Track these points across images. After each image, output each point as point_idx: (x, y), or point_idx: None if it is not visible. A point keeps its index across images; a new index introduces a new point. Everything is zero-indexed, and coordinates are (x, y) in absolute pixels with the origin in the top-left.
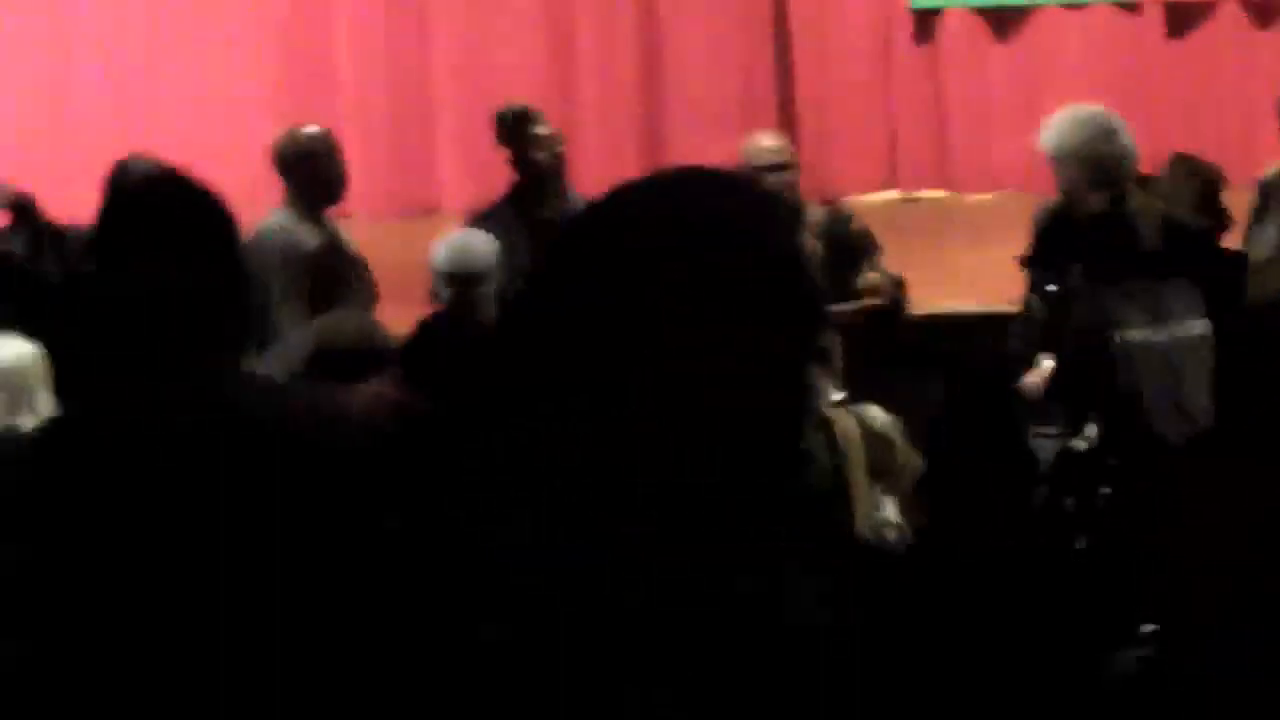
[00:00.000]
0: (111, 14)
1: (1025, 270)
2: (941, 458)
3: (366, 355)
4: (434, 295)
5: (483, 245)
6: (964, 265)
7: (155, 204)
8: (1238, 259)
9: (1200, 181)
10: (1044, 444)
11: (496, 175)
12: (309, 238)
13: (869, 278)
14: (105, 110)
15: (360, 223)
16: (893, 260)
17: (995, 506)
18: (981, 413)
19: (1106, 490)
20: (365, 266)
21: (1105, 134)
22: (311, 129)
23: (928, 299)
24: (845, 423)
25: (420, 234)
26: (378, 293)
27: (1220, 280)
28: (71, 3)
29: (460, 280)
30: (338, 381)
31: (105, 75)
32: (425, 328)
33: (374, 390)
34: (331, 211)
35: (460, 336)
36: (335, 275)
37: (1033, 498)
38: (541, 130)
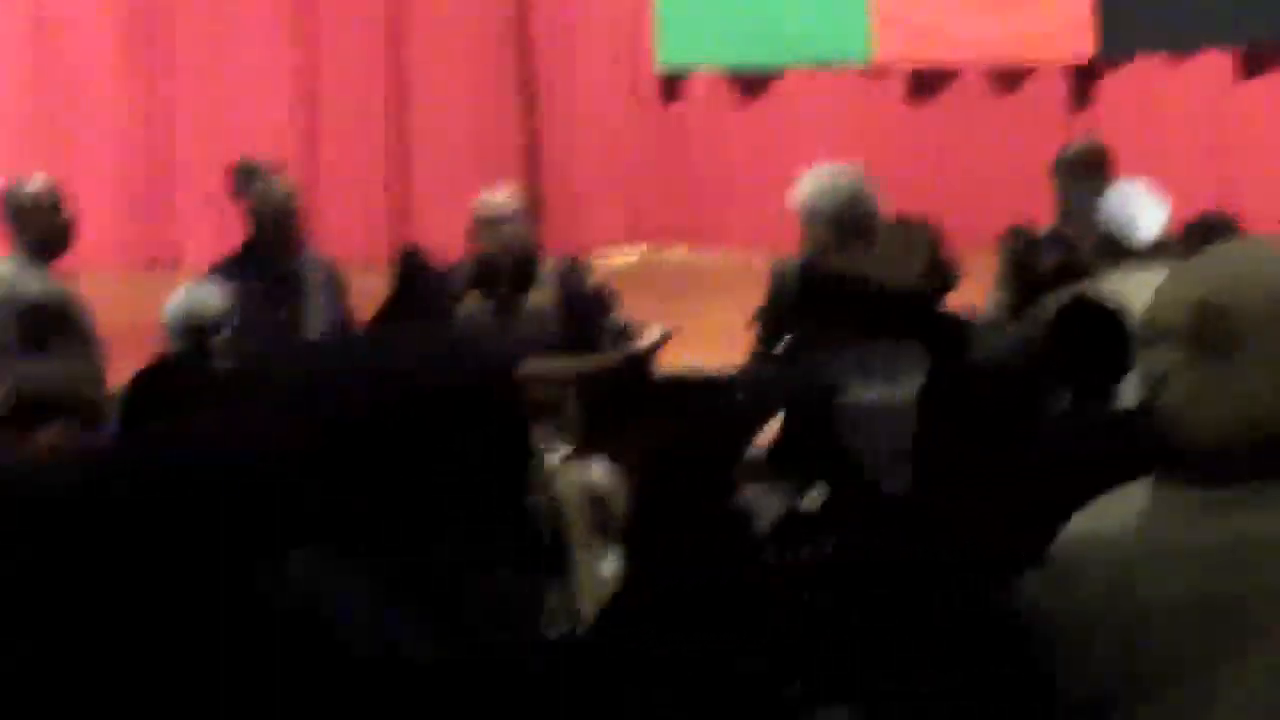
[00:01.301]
0: None
1: (757, 328)
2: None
3: (63, 403)
4: (167, 346)
5: (213, 295)
6: (706, 322)
7: None
8: (957, 321)
9: (924, 243)
10: (769, 502)
11: (239, 230)
12: (28, 287)
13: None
14: None
15: (102, 276)
16: (638, 315)
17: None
18: (699, 467)
19: (828, 547)
20: (87, 318)
21: (856, 195)
22: (38, 179)
23: (671, 355)
24: (566, 481)
25: (163, 287)
26: (103, 345)
27: (943, 341)
28: None
29: (194, 330)
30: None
31: None
32: (143, 376)
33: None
34: (65, 263)
35: (185, 383)
36: (51, 325)
37: (756, 554)
38: (276, 184)
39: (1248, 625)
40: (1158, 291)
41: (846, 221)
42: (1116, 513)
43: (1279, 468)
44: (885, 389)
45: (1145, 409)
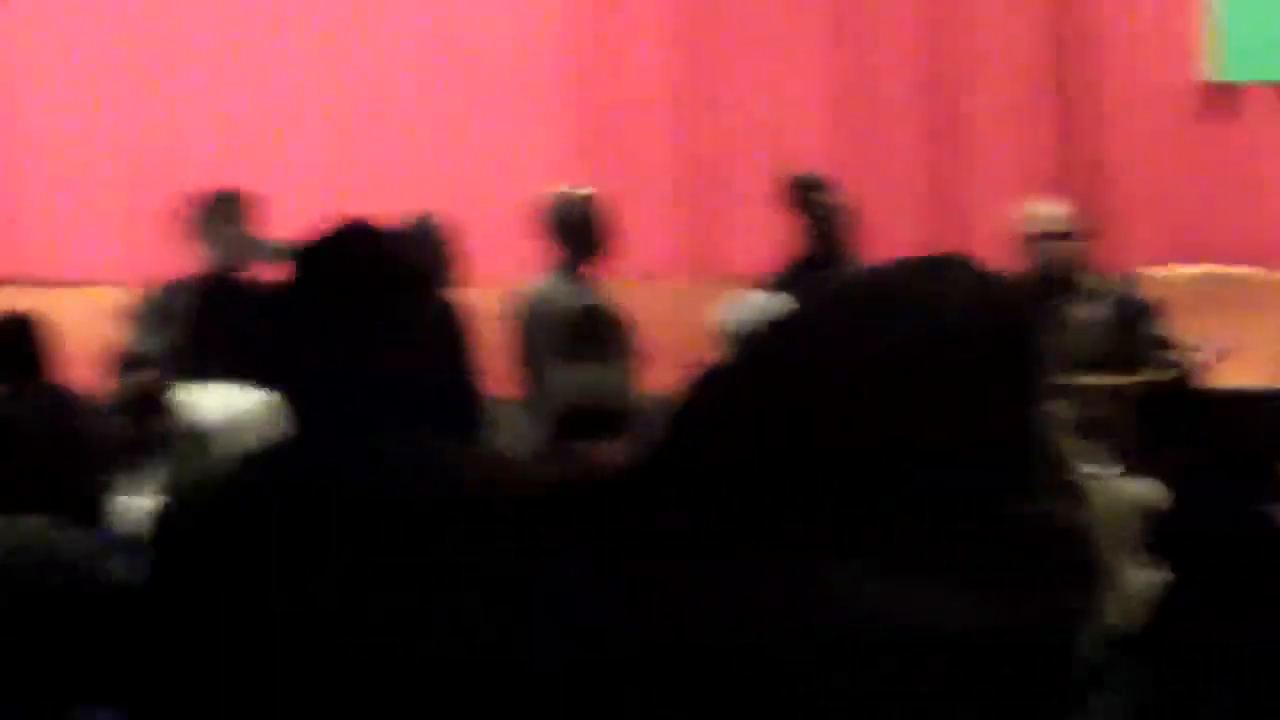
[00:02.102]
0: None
1: None
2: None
3: (610, 414)
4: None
5: (778, 304)
6: (1266, 340)
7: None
8: None
9: None
10: None
11: (787, 241)
12: (569, 299)
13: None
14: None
15: (655, 285)
16: (1195, 333)
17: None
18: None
19: None
20: (629, 328)
21: None
22: (581, 190)
23: (1229, 374)
24: (1115, 497)
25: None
26: (644, 355)
27: None
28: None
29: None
30: (581, 439)
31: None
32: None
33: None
34: (607, 271)
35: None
36: (591, 336)
37: None
38: (830, 198)
39: None
40: None
41: None
42: None
43: None
44: None
45: None
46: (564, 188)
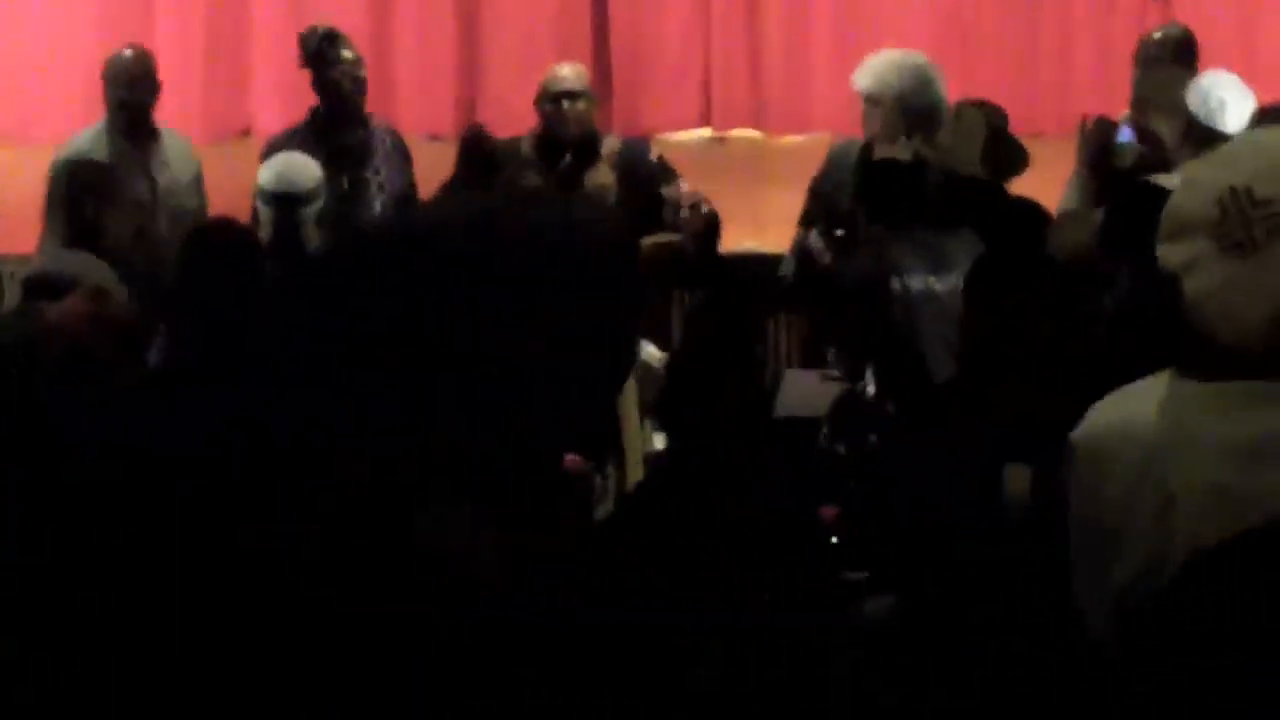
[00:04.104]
0: None
1: (807, 205)
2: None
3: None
4: (254, 216)
5: (307, 167)
6: (775, 206)
7: None
8: (1028, 208)
9: (985, 126)
10: (827, 388)
11: (308, 99)
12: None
13: (685, 194)
14: None
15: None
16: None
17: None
18: (727, 338)
19: (874, 437)
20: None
21: (924, 81)
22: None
23: (736, 239)
24: None
25: (234, 155)
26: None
27: (1002, 228)
28: None
29: (283, 200)
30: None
31: None
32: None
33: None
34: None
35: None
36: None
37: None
38: (343, 53)
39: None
40: (1185, 180)
41: (914, 107)
42: (1140, 404)
43: None
44: (938, 277)
45: (1165, 301)
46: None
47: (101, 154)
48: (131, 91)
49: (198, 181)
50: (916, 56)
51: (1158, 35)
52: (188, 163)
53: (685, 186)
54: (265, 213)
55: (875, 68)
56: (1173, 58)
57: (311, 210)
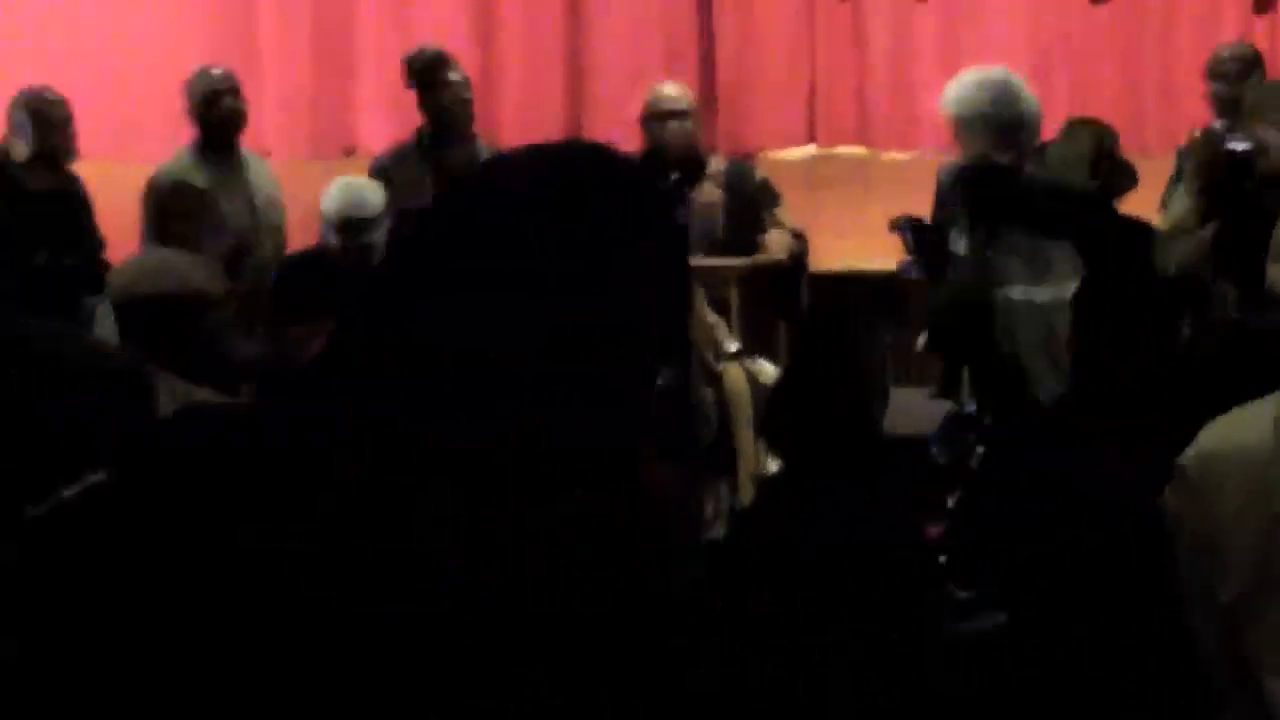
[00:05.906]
0: None
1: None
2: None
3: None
4: (324, 239)
5: (371, 192)
6: (880, 222)
7: None
8: (1134, 225)
9: (1094, 145)
10: (935, 405)
11: (414, 119)
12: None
13: (770, 236)
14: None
15: (280, 162)
16: (808, 215)
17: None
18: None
19: (980, 449)
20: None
21: (1008, 98)
22: (216, 69)
23: (843, 255)
24: (735, 376)
25: (340, 173)
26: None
27: (1109, 244)
28: None
29: (348, 226)
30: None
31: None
32: (290, 267)
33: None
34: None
35: (329, 278)
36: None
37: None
38: (451, 76)
39: None
40: None
41: (1001, 124)
42: (1250, 426)
43: None
44: (1037, 287)
45: (1275, 322)
46: (201, 67)
47: (197, 175)
48: (220, 109)
49: (279, 198)
50: (999, 73)
51: (1227, 53)
52: (271, 180)
53: (787, 213)
54: (332, 236)
55: (957, 89)
56: (1243, 73)
57: (377, 235)
